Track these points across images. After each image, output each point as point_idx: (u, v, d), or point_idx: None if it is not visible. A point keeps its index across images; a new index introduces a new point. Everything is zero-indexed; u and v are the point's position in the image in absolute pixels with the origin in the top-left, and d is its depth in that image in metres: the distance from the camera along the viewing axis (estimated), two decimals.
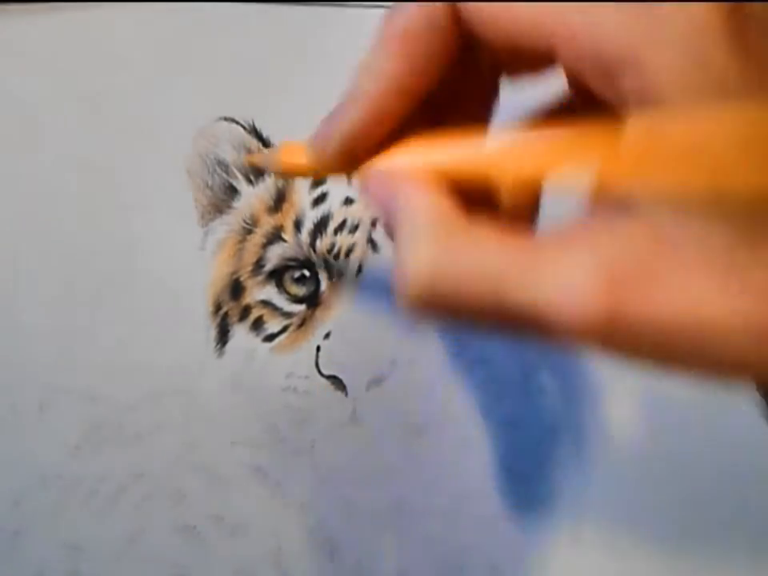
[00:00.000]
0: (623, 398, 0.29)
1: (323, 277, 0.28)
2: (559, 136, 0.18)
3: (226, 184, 0.28)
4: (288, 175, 0.26)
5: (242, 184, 0.28)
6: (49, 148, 0.28)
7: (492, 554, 0.28)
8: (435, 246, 0.19)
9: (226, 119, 0.28)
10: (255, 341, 0.28)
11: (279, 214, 0.28)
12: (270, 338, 0.28)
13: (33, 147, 0.28)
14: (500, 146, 0.19)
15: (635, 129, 0.17)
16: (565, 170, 0.18)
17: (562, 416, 0.29)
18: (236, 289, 0.28)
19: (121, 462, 0.28)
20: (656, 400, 0.29)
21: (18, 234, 0.28)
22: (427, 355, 0.29)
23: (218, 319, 0.28)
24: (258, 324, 0.28)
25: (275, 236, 0.28)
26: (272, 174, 0.27)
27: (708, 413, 0.28)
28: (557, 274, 0.18)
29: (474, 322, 0.20)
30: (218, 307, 0.28)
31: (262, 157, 0.25)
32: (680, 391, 0.28)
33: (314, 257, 0.28)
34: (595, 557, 0.29)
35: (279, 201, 0.28)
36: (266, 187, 0.28)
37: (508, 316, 0.19)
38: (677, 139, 0.17)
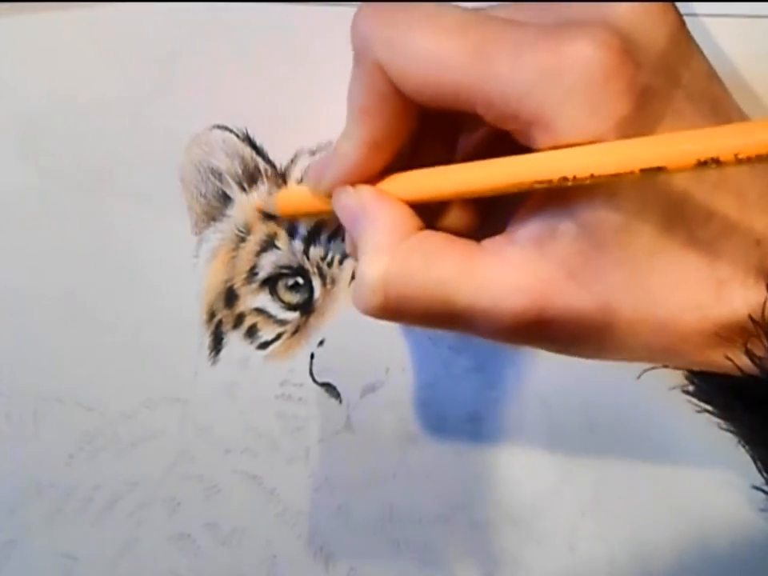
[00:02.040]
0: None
1: (317, 284, 0.28)
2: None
3: (220, 192, 0.28)
4: (287, 214, 0.27)
5: (235, 192, 0.28)
6: (40, 153, 0.28)
7: (486, 562, 0.28)
8: (389, 257, 0.21)
9: (219, 127, 0.28)
10: (249, 348, 0.28)
11: (273, 222, 0.28)
12: (264, 345, 0.28)
13: (24, 153, 0.28)
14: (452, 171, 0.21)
15: None
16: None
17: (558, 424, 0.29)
18: (230, 296, 0.28)
19: (115, 470, 0.28)
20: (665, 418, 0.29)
21: (11, 244, 0.28)
22: (421, 363, 0.29)
23: (212, 327, 0.28)
24: (251, 332, 0.28)
25: (269, 243, 0.28)
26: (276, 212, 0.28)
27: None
28: (495, 279, 0.20)
29: (428, 324, 0.22)
30: (211, 315, 0.28)
31: (264, 204, 0.28)
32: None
33: (307, 264, 0.28)
34: (590, 565, 0.29)
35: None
36: (260, 195, 0.28)
37: (456, 319, 0.21)
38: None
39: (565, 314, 0.20)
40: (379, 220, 0.22)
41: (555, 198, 0.20)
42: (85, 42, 0.29)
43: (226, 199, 0.28)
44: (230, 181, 0.28)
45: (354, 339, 0.28)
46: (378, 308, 0.21)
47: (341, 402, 0.28)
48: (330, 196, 0.24)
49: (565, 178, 0.19)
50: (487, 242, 0.21)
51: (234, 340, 0.28)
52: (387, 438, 0.28)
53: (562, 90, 0.18)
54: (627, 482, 0.29)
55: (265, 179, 0.28)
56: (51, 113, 0.28)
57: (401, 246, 0.21)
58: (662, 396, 0.27)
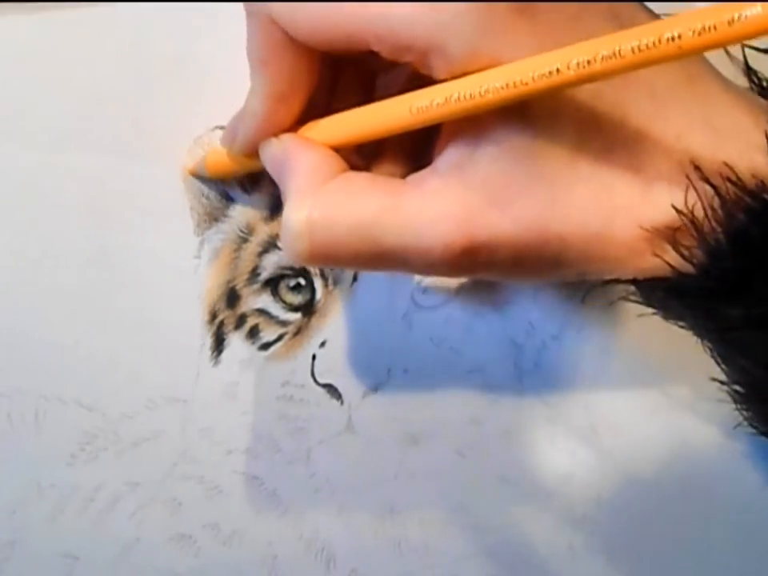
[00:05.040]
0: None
1: (319, 285, 0.28)
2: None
3: (222, 193, 0.28)
4: (216, 176, 0.28)
5: (237, 192, 0.28)
6: (42, 153, 0.28)
7: (487, 563, 0.28)
8: (311, 200, 0.20)
9: (221, 128, 0.28)
10: (251, 349, 0.28)
11: (275, 223, 0.28)
12: (266, 346, 0.28)
13: (26, 152, 0.28)
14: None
15: None
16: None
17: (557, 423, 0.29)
18: (232, 297, 0.28)
19: (116, 470, 0.28)
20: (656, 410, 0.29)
21: (12, 244, 0.28)
22: (423, 364, 0.29)
23: (214, 328, 0.28)
24: (253, 332, 0.28)
25: (271, 244, 0.28)
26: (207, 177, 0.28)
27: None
28: (419, 211, 0.19)
29: (360, 267, 0.21)
30: (213, 316, 0.28)
31: (194, 166, 0.28)
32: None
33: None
34: (590, 564, 0.29)
35: (275, 209, 0.28)
36: (262, 196, 0.28)
37: (386, 258, 0.20)
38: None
39: (495, 237, 0.19)
40: (301, 164, 0.21)
41: (471, 123, 0.19)
42: (85, 42, 0.29)
43: (228, 200, 0.28)
44: (233, 181, 0.28)
45: (355, 340, 0.28)
46: (306, 254, 0.20)
47: (342, 403, 0.28)
48: (247, 155, 0.23)
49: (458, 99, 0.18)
50: (411, 177, 0.21)
51: (236, 341, 0.28)
52: (388, 439, 0.28)
53: (449, 11, 0.18)
54: (628, 482, 0.29)
55: (267, 180, 0.28)
56: (51, 113, 0.28)
57: (323, 188, 0.21)
58: (663, 396, 0.27)
